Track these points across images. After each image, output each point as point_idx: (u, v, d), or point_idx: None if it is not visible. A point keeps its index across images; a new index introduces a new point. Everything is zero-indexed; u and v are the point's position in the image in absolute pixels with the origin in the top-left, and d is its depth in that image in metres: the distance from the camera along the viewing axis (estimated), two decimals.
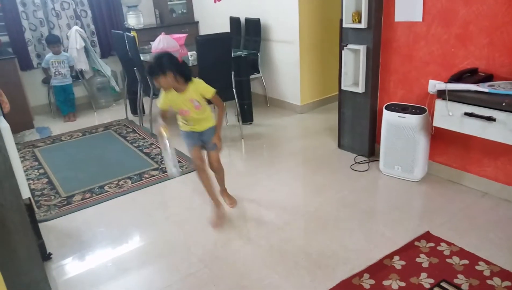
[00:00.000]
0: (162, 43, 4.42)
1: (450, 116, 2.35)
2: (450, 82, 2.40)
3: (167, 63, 2.28)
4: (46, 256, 2.34)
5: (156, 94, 4.02)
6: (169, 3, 5.80)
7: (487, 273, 1.97)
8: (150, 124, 4.21)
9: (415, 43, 2.81)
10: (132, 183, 3.21)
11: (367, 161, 3.25)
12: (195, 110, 2.44)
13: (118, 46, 4.36)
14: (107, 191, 3.09)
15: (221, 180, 2.80)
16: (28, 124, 4.47)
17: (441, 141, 2.85)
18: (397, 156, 2.91)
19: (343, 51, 3.18)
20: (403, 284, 1.95)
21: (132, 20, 5.52)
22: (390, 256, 2.15)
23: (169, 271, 2.19)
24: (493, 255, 2.09)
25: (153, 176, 3.31)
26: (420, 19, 2.72)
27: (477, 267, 2.02)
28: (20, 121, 4.29)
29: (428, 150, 2.86)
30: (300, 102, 4.51)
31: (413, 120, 2.74)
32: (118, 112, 5.06)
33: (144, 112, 4.60)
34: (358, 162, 3.25)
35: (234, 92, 3.84)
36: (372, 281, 1.98)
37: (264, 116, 4.51)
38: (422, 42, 2.76)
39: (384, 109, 2.90)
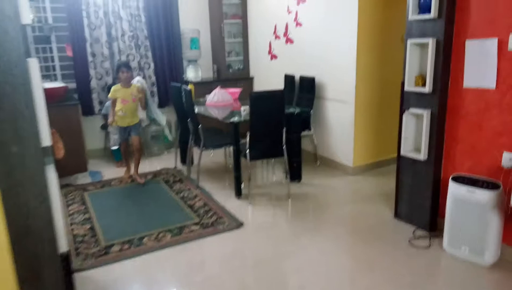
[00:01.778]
0: (217, 96, 4.49)
1: None
2: None
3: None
4: None
5: (205, 146, 4.02)
6: (227, 58, 5.99)
7: None
8: (197, 175, 4.16)
9: (486, 111, 2.57)
10: (171, 237, 3.09)
11: (428, 236, 2.91)
12: (132, 102, 4.05)
13: (175, 97, 4.47)
14: (145, 244, 2.99)
15: (138, 161, 4.28)
16: (82, 167, 4.61)
17: None
18: (464, 234, 2.57)
19: (404, 115, 2.99)
20: None
21: (191, 74, 5.73)
22: None
23: None
24: None
25: (193, 231, 3.17)
26: (493, 86, 2.49)
27: None
28: (75, 164, 4.43)
29: (501, 231, 2.50)
30: (353, 163, 4.28)
31: (484, 196, 2.43)
32: (169, 160, 5.11)
33: (192, 163, 4.59)
34: (418, 237, 2.92)
35: (284, 149, 3.72)
36: None
37: (313, 175, 4.32)
38: (494, 111, 2.52)
39: (450, 180, 2.62)
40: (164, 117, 5.45)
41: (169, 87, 5.53)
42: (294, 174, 4.08)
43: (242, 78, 6.03)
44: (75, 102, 4.44)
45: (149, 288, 2.48)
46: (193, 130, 4.18)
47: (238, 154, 3.76)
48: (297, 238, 3.02)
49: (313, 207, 3.59)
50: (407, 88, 2.94)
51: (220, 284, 2.48)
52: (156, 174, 4.59)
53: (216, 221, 3.31)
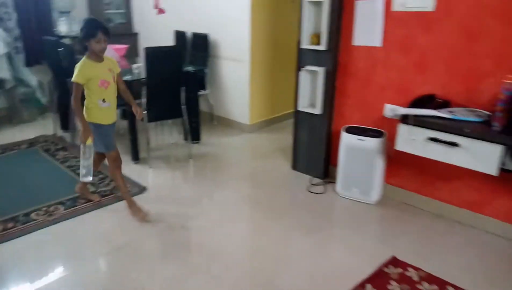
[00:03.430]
0: None
1: (413, 140, 2.37)
2: (411, 107, 2.44)
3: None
4: None
5: None
6: (106, 11, 5.41)
7: None
8: None
9: (373, 67, 2.85)
10: (65, 209, 2.79)
11: (323, 183, 3.20)
12: (113, 83, 2.51)
13: (50, 54, 3.90)
14: (35, 220, 2.65)
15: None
16: None
17: (395, 164, 2.89)
18: (354, 178, 2.89)
19: (300, 72, 3.14)
20: None
21: (64, 27, 5.04)
22: (362, 285, 2.07)
23: None
24: (459, 278, 2.11)
25: (91, 201, 2.92)
26: (379, 44, 2.77)
27: None
28: None
29: (384, 173, 2.88)
30: (249, 121, 4.39)
31: (372, 143, 2.75)
32: (45, 127, 4.51)
33: (75, 128, 4.14)
34: (314, 184, 3.19)
35: (184, 109, 3.60)
36: None
37: (211, 135, 4.31)
38: (380, 67, 2.81)
39: (343, 131, 2.88)
40: (34, 78, 4.77)
41: (38, 42, 4.78)
42: (193, 135, 4.01)
43: (125, 33, 5.55)
44: None
45: (48, 265, 2.23)
46: None
47: (133, 116, 3.50)
48: (202, 197, 3.02)
49: (214, 166, 3.61)
50: (303, 46, 3.07)
51: (131, 253, 2.36)
52: (32, 143, 4.03)
53: (115, 188, 3.09)
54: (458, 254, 2.35)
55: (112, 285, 2.07)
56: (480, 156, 2.13)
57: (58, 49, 3.72)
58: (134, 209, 2.69)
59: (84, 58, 2.42)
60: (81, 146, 2.50)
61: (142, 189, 3.08)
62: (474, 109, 2.39)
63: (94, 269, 2.21)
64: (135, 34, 5.63)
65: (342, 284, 2.06)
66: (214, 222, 2.67)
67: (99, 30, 2.34)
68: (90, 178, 2.59)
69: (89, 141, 2.48)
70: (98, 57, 2.42)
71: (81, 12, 5.33)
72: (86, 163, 2.54)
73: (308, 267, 2.22)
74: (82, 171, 2.56)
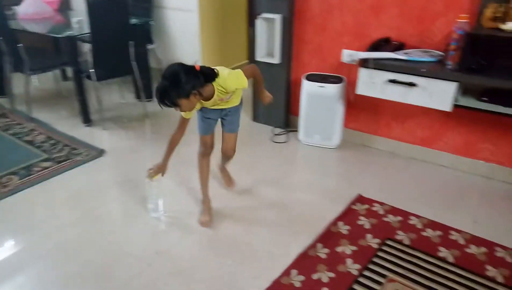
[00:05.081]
0: (33, 7, 3.70)
1: (373, 84, 2.46)
2: (369, 51, 2.50)
3: (187, 80, 1.67)
4: None
5: (33, 70, 3.33)
6: None
7: (419, 226, 2.17)
8: (28, 106, 3.48)
9: (328, 13, 2.85)
10: (19, 179, 2.61)
11: (285, 132, 3.26)
12: (226, 102, 2.01)
13: None
14: None
15: (227, 162, 2.47)
16: None
17: (354, 109, 3.00)
18: (316, 125, 2.97)
19: (256, 21, 3.06)
20: (355, 248, 2.01)
21: None
22: (334, 223, 2.20)
23: (107, 279, 1.85)
24: (419, 209, 2.31)
25: (46, 168, 2.75)
26: None
27: (410, 222, 2.20)
28: None
29: (344, 118, 2.99)
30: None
31: (332, 89, 2.81)
32: None
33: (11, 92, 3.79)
34: (277, 134, 3.23)
35: (134, 65, 3.41)
36: (327, 250, 1.99)
37: None
38: (336, 12, 2.82)
39: (303, 79, 2.90)
40: None
41: None
42: (146, 93, 3.83)
43: None
44: None
45: (7, 239, 2.11)
46: (9, 52, 3.37)
47: (79, 75, 3.26)
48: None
49: (172, 124, 3.49)
50: None
51: (104, 215, 2.29)
52: None
53: (70, 153, 2.92)
54: (415, 187, 2.55)
55: (87, 250, 2.02)
56: (436, 94, 2.27)
57: None
58: (204, 211, 2.27)
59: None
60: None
61: (100, 152, 2.94)
62: (427, 49, 2.50)
63: (61, 238, 2.12)
64: None
65: (316, 224, 2.18)
66: (182, 178, 2.65)
67: (171, 104, 1.72)
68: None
69: (155, 177, 2.15)
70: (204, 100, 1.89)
71: None
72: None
73: (282, 213, 2.30)
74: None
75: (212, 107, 2.01)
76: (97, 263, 1.93)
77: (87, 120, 3.40)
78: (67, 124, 3.40)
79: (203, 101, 1.88)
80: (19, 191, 2.49)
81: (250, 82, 2.01)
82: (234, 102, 2.07)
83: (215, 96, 1.86)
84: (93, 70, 3.16)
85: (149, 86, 3.87)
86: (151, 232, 2.16)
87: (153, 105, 3.81)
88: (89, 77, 3.23)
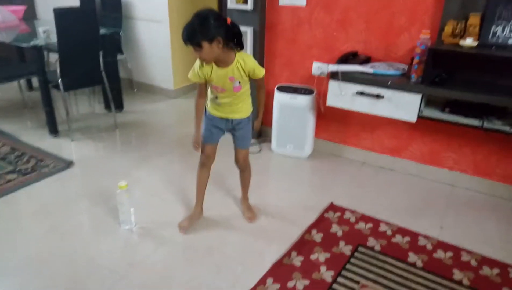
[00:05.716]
0: None
1: (342, 96, 2.54)
2: (338, 64, 2.59)
3: (216, 24, 1.68)
4: None
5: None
6: None
7: (389, 232, 2.24)
8: None
9: (299, 27, 2.93)
10: None
11: (257, 142, 3.29)
12: (233, 92, 1.93)
13: None
14: None
15: (246, 182, 2.36)
16: None
17: (324, 119, 3.08)
18: (288, 135, 3.02)
19: None
20: (328, 255, 2.05)
21: None
22: (308, 230, 2.23)
23: None
24: (388, 216, 2.38)
25: (11, 180, 2.64)
26: (304, 4, 2.84)
27: (380, 229, 2.27)
28: None
29: (315, 128, 3.06)
30: (173, 86, 4.26)
31: (303, 100, 2.88)
32: None
33: None
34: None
35: (103, 75, 3.35)
36: (301, 258, 2.02)
37: (133, 102, 4.10)
38: (305, 26, 2.90)
39: (276, 91, 2.96)
40: None
41: None
42: (115, 103, 3.77)
43: None
44: None
45: None
46: None
47: (46, 85, 3.18)
48: (136, 166, 2.92)
49: (142, 134, 3.47)
50: (229, 5, 3.02)
51: (73, 228, 2.22)
52: None
53: (37, 165, 2.83)
54: (384, 195, 2.64)
55: (57, 264, 1.95)
56: (402, 106, 2.37)
57: None
58: (189, 219, 2.25)
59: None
60: (117, 191, 2.14)
61: (69, 164, 2.86)
62: (392, 63, 2.62)
63: (30, 252, 2.04)
64: None
65: (290, 232, 2.21)
66: (155, 190, 2.61)
67: (192, 41, 1.72)
68: (127, 227, 2.22)
69: (123, 187, 2.11)
70: (219, 61, 1.85)
71: None
72: (122, 209, 2.19)
73: (256, 222, 2.31)
74: (120, 217, 2.21)
75: (217, 114, 2.02)
76: (68, 276, 1.87)
77: (54, 130, 3.30)
78: (33, 135, 3.29)
79: (216, 67, 1.85)
80: None
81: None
82: (243, 111, 2.06)
83: (232, 66, 1.84)
84: (60, 79, 3.09)
85: (119, 96, 3.82)
86: (123, 244, 2.11)
87: (124, 116, 3.76)
88: (56, 87, 3.16)
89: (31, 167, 2.80)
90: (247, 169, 2.31)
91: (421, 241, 2.16)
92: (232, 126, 2.09)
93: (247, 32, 3.00)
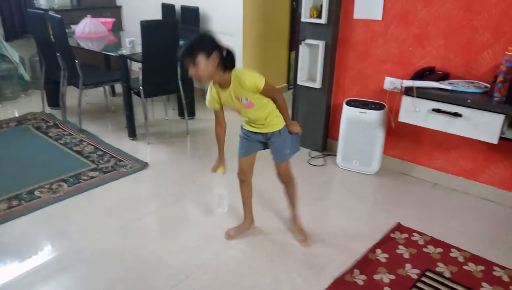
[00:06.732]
0: (89, 27, 3.97)
1: (416, 112, 2.45)
2: (413, 80, 2.51)
3: (213, 42, 1.73)
4: None
5: (86, 85, 3.55)
6: None
7: (461, 259, 2.10)
8: (79, 118, 3.69)
9: (372, 41, 2.90)
10: (69, 186, 2.76)
11: (323, 155, 3.28)
12: (247, 109, 1.90)
13: (37, 28, 3.74)
14: (40, 197, 2.62)
15: (291, 197, 2.23)
16: None
17: (393, 136, 2.99)
18: (355, 150, 2.97)
19: (300, 46, 3.15)
20: (393, 277, 1.98)
21: (43, 0, 4.82)
22: (372, 249, 2.17)
23: (146, 287, 1.91)
24: (460, 241, 2.24)
25: (93, 177, 2.89)
26: (380, 18, 2.80)
27: (451, 254, 2.14)
28: None
29: (383, 144, 2.98)
30: None
31: (373, 115, 2.82)
32: (30, 104, 4.38)
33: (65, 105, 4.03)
34: (314, 157, 3.26)
35: (180, 84, 3.56)
36: (364, 277, 1.97)
37: (205, 110, 4.25)
38: (380, 40, 2.86)
39: (344, 104, 2.94)
40: (16, 53, 4.58)
41: (17, 15, 4.58)
42: (188, 111, 3.98)
43: (108, 6, 5.37)
44: None
45: (63, 241, 2.23)
46: (66, 67, 3.62)
47: (129, 92, 3.45)
48: (202, 171, 3.03)
49: (210, 140, 3.57)
50: (303, 19, 3.07)
51: (144, 226, 2.38)
52: (21, 121, 3.91)
53: (116, 165, 3.07)
54: (456, 219, 2.49)
55: (128, 258, 2.09)
56: (481, 126, 2.23)
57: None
58: (237, 228, 2.29)
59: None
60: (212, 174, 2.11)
61: (144, 165, 3.06)
62: (472, 80, 2.48)
63: (104, 244, 2.21)
64: (118, 8, 5.45)
65: (353, 250, 2.16)
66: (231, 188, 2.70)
67: (189, 55, 1.71)
68: (223, 210, 2.29)
69: (220, 170, 2.08)
70: (219, 82, 1.86)
71: None
72: (217, 192, 2.22)
73: (317, 235, 2.30)
74: (214, 200, 2.26)
75: (250, 128, 2.01)
76: (137, 271, 2.00)
77: (132, 134, 3.56)
78: (114, 136, 3.58)
79: (220, 89, 1.86)
80: (68, 197, 2.63)
81: None
82: (274, 125, 1.97)
83: (230, 88, 1.82)
84: (142, 87, 3.34)
85: (192, 104, 4.02)
86: (190, 244, 2.21)
87: (195, 123, 3.95)
88: (137, 93, 3.41)
89: (111, 166, 3.05)
90: (291, 184, 2.19)
91: (497, 272, 2.01)
92: (266, 140, 2.04)
93: (319, 45, 3.02)
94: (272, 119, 1.96)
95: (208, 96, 1.93)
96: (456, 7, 2.49)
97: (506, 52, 2.17)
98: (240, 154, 2.12)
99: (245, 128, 2.06)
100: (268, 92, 1.86)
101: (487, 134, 2.24)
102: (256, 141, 2.06)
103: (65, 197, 2.64)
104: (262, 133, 2.01)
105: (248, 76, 1.81)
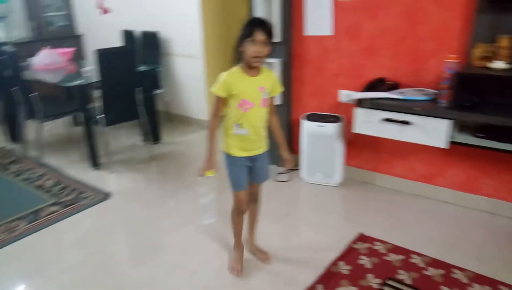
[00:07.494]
0: (48, 58, 3.91)
1: (369, 122, 2.51)
2: (364, 91, 2.57)
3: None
4: None
5: (46, 117, 3.48)
6: (45, 14, 5.16)
7: (422, 264, 2.13)
8: (40, 151, 3.62)
9: (325, 56, 2.97)
10: (27, 225, 2.68)
11: (287, 171, 3.30)
12: (260, 107, 1.86)
13: None
14: None
15: (256, 217, 2.22)
16: None
17: (354, 146, 3.04)
18: (317, 163, 3.01)
19: None
20: (355, 289, 1.98)
21: (1, 33, 4.76)
22: (335, 262, 2.18)
23: None
24: (421, 247, 2.28)
25: (53, 212, 2.82)
26: (330, 33, 2.88)
27: (412, 261, 2.17)
28: None
29: (344, 155, 3.02)
30: (208, 117, 4.39)
31: (331, 128, 2.87)
32: None
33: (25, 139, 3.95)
34: (280, 173, 3.27)
35: (141, 109, 3.54)
36: None
37: (171, 134, 4.27)
38: (332, 55, 2.93)
39: (303, 119, 2.98)
40: None
41: None
42: (153, 136, 3.96)
43: (69, 36, 5.34)
44: None
45: (16, 285, 2.15)
46: (23, 100, 3.56)
47: (89, 122, 3.40)
48: (172, 196, 3.01)
49: (178, 165, 3.59)
50: None
51: (103, 259, 2.32)
52: None
53: (78, 197, 3.00)
54: (418, 224, 2.53)
55: None
56: (431, 132, 2.30)
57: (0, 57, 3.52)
58: (233, 263, 2.18)
59: (236, 67, 1.85)
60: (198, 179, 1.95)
61: (106, 196, 3.01)
62: (421, 88, 2.57)
63: (65, 281, 2.15)
64: (79, 36, 5.43)
65: (316, 264, 2.16)
66: (187, 220, 2.68)
67: (256, 28, 1.71)
68: (210, 221, 2.14)
69: (210, 173, 1.92)
70: (250, 68, 1.82)
71: (19, 16, 5.05)
72: (204, 201, 2.04)
73: (282, 252, 2.29)
74: (201, 212, 2.10)
75: (244, 153, 1.92)
76: None
77: (95, 163, 3.50)
78: (76, 168, 3.51)
79: (246, 75, 1.82)
80: (27, 235, 2.55)
81: None
82: (265, 143, 1.98)
83: (259, 76, 1.84)
84: (102, 115, 3.30)
85: (157, 129, 4.00)
86: (156, 275, 2.17)
87: (161, 147, 3.92)
88: (98, 122, 3.37)
89: (72, 199, 2.98)
90: (259, 202, 2.19)
91: (456, 274, 2.04)
92: (251, 162, 1.97)
93: (275, 63, 3.07)
94: (264, 136, 1.98)
95: (221, 80, 1.82)
96: (400, 19, 2.58)
97: (447, 60, 2.26)
98: (240, 186, 1.99)
99: (237, 155, 1.93)
100: (273, 105, 2.01)
101: (437, 140, 2.31)
102: (246, 165, 1.99)
103: (24, 235, 2.55)
104: (251, 157, 1.95)
105: (273, 74, 1.96)
